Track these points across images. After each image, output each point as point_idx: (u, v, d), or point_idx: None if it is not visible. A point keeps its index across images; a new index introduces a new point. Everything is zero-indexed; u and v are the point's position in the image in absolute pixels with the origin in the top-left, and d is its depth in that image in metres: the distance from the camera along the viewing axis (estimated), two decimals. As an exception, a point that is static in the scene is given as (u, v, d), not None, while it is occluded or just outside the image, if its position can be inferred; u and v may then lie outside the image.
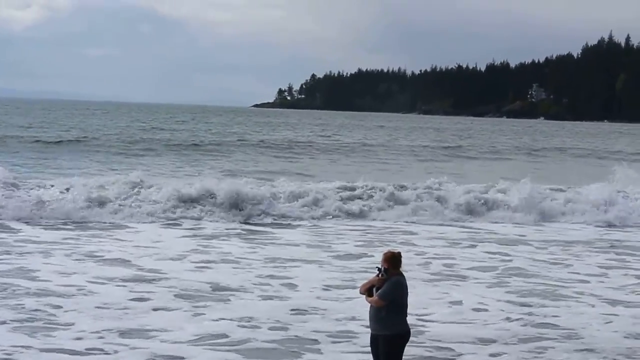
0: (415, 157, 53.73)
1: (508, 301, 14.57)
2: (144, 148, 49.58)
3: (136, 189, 24.77)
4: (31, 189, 24.29)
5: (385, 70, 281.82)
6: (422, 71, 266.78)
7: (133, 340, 11.58)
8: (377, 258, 13.45)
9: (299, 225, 23.38)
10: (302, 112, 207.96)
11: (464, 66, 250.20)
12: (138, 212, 23.19)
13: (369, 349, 8.99)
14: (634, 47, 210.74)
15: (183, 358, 11.00)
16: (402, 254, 8.92)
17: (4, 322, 12.16)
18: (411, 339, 8.96)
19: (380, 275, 8.76)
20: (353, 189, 27.16)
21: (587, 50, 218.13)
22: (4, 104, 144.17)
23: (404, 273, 8.86)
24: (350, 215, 24.96)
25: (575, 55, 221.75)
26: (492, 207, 26.42)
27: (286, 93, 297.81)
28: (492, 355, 11.52)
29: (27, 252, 17.63)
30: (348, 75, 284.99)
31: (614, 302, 14.81)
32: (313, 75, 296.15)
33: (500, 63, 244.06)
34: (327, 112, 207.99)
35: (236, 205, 24.12)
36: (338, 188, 27.18)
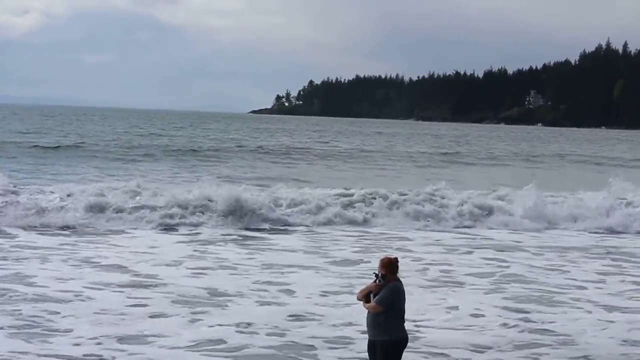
0: (413, 163, 53.78)
1: (505, 307, 14.58)
2: (142, 154, 49.62)
3: (134, 196, 24.66)
4: (30, 195, 24.23)
5: (383, 76, 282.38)
6: (420, 77, 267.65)
7: (131, 346, 11.59)
8: (374, 264, 13.47)
9: (295, 231, 23.37)
10: (299, 118, 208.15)
11: (462, 73, 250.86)
12: (136, 219, 23.09)
13: (366, 354, 8.99)
14: (632, 53, 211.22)
15: (180, 364, 11.00)
16: (398, 260, 8.93)
17: (1, 328, 12.16)
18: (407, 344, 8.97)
19: (377, 281, 8.78)
20: (352, 195, 27.01)
21: (584, 56, 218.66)
22: (2, 110, 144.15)
23: (401, 279, 8.87)
24: (352, 222, 24.74)
25: (572, 62, 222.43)
26: (495, 214, 26.31)
27: (284, 99, 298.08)
28: (487, 361, 11.54)
29: (24, 257, 17.62)
30: (346, 81, 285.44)
31: (610, 308, 14.83)
32: (311, 82, 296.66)
33: (498, 70, 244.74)
34: (324, 119, 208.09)
35: (236, 212, 23.92)
36: (338, 195, 27.02)
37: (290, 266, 17.74)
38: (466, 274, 17.53)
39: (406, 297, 8.89)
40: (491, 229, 25.15)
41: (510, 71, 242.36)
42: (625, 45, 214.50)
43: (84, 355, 11.11)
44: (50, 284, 15.06)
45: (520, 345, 12.26)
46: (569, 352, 12.03)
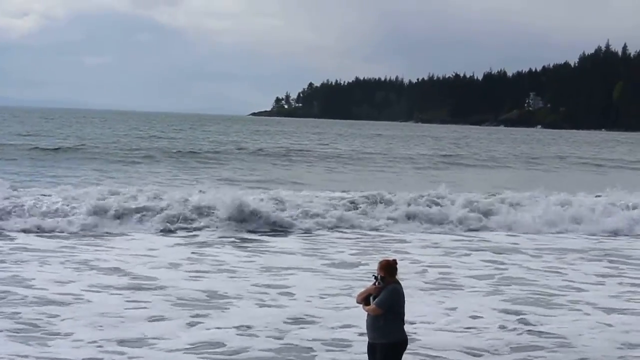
0: (414, 165, 53.77)
1: (502, 310, 14.60)
2: (142, 156, 49.60)
3: (135, 199, 24.55)
4: (29, 198, 24.15)
5: (383, 78, 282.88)
6: (420, 80, 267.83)
7: (130, 348, 11.60)
8: (373, 266, 13.47)
9: (292, 234, 23.35)
10: (299, 120, 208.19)
11: (462, 75, 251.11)
12: (136, 223, 23.01)
13: (366, 356, 8.99)
14: (631, 55, 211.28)
15: (179, 366, 11.01)
16: (397, 262, 8.93)
17: (0, 331, 12.15)
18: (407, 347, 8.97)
19: (376, 284, 8.78)
20: (354, 199, 26.77)
21: (584, 59, 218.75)
22: (1, 112, 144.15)
23: (399, 281, 8.87)
24: (356, 226, 24.58)
25: (572, 64, 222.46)
26: (499, 216, 26.30)
27: (283, 101, 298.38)
28: (484, 364, 11.55)
29: (23, 260, 17.62)
30: (345, 83, 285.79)
31: (608, 311, 14.84)
32: (310, 84, 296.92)
33: (498, 72, 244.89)
34: (324, 121, 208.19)
35: (239, 217, 23.71)
36: (339, 197, 26.91)
37: (289, 269, 17.75)
38: (464, 276, 17.54)
39: (405, 299, 8.89)
40: (493, 231, 25.08)
41: (509, 73, 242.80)
42: (624, 48, 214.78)
43: (83, 359, 11.11)
44: (49, 286, 15.06)
45: (517, 348, 12.27)
46: (566, 355, 12.05)
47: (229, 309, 14.05)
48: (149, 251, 19.49)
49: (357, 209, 26.02)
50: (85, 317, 13.03)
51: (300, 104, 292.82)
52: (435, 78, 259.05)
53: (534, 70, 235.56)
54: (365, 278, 15.58)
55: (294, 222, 24.28)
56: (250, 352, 11.64)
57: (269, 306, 14.33)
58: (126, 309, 13.72)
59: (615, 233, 25.59)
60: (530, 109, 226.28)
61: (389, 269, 8.80)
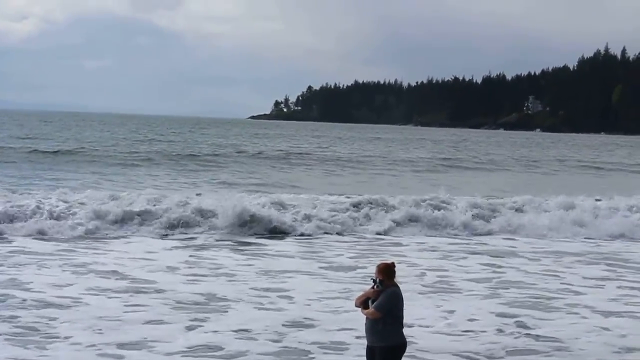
0: (414, 168, 53.79)
1: (500, 313, 14.60)
2: (142, 159, 49.60)
3: (134, 203, 24.43)
4: (29, 201, 24.07)
5: (382, 82, 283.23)
6: (419, 83, 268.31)
7: (129, 351, 11.60)
8: (371, 269, 13.43)
9: (290, 237, 23.29)
10: (298, 123, 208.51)
11: (461, 78, 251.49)
12: (135, 225, 22.92)
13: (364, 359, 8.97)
14: (630, 59, 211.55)
15: (177, 370, 10.99)
16: (395, 265, 8.91)
17: (-1, 334, 12.13)
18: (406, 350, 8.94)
19: (375, 287, 8.76)
20: (358, 204, 26.46)
21: (583, 62, 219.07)
22: (1, 116, 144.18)
23: (398, 284, 8.85)
24: (363, 231, 24.38)
25: (571, 68, 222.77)
26: (506, 221, 26.24)
27: (282, 105, 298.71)
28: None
29: (21, 263, 17.60)
30: (344, 87, 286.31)
31: (606, 314, 14.85)
32: (309, 87, 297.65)
33: (497, 75, 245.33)
34: (323, 124, 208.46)
35: (240, 223, 23.48)
36: (340, 203, 26.63)
37: (287, 272, 17.74)
38: (462, 280, 17.54)
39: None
40: (498, 235, 25.00)
41: (508, 77, 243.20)
42: (623, 51, 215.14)
43: (81, 362, 11.09)
44: (48, 290, 15.05)
45: (514, 352, 12.28)
46: (562, 358, 12.04)
47: (227, 312, 14.04)
48: (147, 254, 19.47)
49: (359, 212, 25.77)
50: (84, 321, 13.01)
51: (299, 108, 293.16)
52: (434, 81, 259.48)
53: (533, 73, 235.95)
54: (363, 281, 15.56)
55: (296, 227, 24.03)
56: (249, 356, 11.63)
57: (268, 309, 14.32)
58: (125, 312, 13.71)
59: (616, 236, 25.52)
60: (529, 112, 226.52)
61: (387, 272, 8.78)
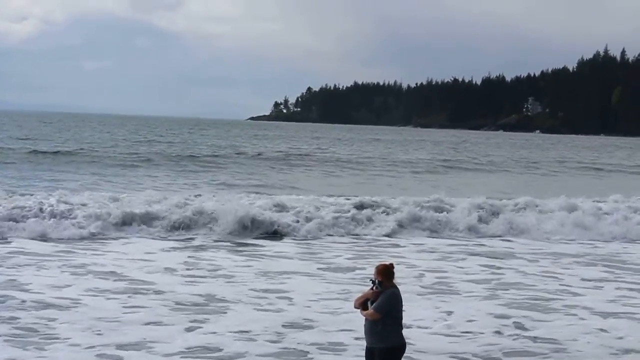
0: (414, 170, 53.78)
1: (499, 314, 14.61)
2: (141, 160, 49.60)
3: (134, 205, 24.32)
4: (28, 202, 24.03)
5: (381, 83, 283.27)
6: (418, 84, 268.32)
7: (128, 352, 11.60)
8: (369, 271, 13.43)
9: (287, 237, 23.26)
10: (297, 124, 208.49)
11: (460, 80, 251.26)
12: (134, 227, 22.87)
13: (362, 360, 8.98)
14: (630, 60, 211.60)
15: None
16: (394, 266, 8.91)
17: (-2, 335, 12.13)
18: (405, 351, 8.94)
19: (374, 288, 8.75)
20: (361, 206, 26.26)
21: (582, 64, 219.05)
22: (0, 116, 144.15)
23: (397, 285, 8.85)
24: (367, 234, 24.25)
25: (571, 69, 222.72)
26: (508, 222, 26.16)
27: (282, 106, 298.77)
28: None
29: (19, 264, 17.59)
30: (344, 88, 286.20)
31: (604, 315, 14.88)
32: (309, 88, 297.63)
33: (496, 76, 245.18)
34: (322, 125, 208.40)
35: (241, 227, 23.35)
36: (339, 205, 26.45)
37: (286, 273, 17.75)
38: (461, 281, 17.56)
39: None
40: (502, 237, 24.95)
41: (508, 78, 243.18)
42: (623, 52, 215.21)
43: (80, 362, 11.09)
44: (47, 291, 15.05)
45: (511, 353, 12.29)
46: None
47: (226, 313, 14.05)
48: (146, 255, 19.48)
49: (362, 214, 25.56)
50: (83, 322, 13.02)
51: (298, 109, 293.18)
52: (433, 83, 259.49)
53: (532, 75, 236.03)
54: (362, 283, 15.57)
55: (298, 230, 23.87)
56: (247, 357, 11.63)
57: (267, 310, 14.32)
58: (124, 313, 13.71)
59: (618, 238, 25.49)
60: (529, 113, 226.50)
61: (386, 273, 8.78)
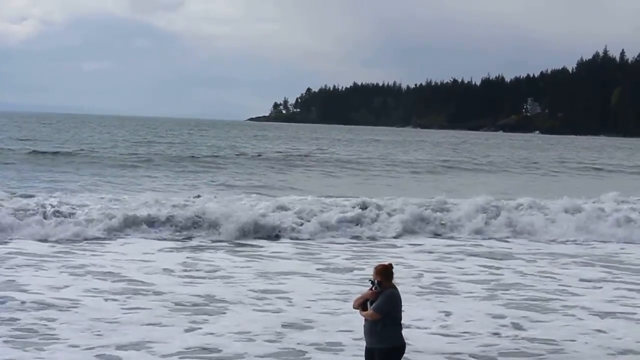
0: (414, 170, 53.77)
1: (497, 315, 14.63)
2: (141, 160, 49.60)
3: (136, 207, 24.26)
4: (27, 203, 24.01)
5: (381, 84, 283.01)
6: (417, 85, 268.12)
7: (127, 352, 11.61)
8: (368, 271, 13.43)
9: (285, 238, 23.22)
10: (297, 125, 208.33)
11: (459, 80, 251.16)
12: (133, 228, 22.83)
13: (362, 360, 8.98)
14: (629, 61, 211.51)
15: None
16: (392, 266, 8.91)
17: (-3, 336, 12.13)
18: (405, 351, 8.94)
19: (373, 289, 8.76)
20: (365, 207, 26.03)
21: (582, 64, 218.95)
22: (0, 117, 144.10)
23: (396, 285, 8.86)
24: (373, 237, 24.09)
25: (570, 70, 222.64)
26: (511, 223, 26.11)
27: (281, 107, 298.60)
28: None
29: (18, 265, 17.60)
30: (343, 89, 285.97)
31: (602, 315, 14.90)
32: (308, 89, 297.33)
33: (496, 77, 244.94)
34: (322, 126, 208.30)
35: (248, 233, 23.25)
36: (341, 206, 26.17)
37: (284, 273, 17.76)
38: (460, 281, 17.57)
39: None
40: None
41: (507, 79, 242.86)
42: (622, 53, 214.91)
43: (79, 363, 11.09)
44: (46, 292, 15.07)
45: (507, 354, 12.29)
46: (556, 361, 12.02)
47: (225, 313, 14.05)
48: (145, 256, 19.49)
49: (365, 216, 25.39)
50: (82, 322, 13.04)
51: (298, 109, 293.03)
52: (433, 83, 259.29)
53: (532, 75, 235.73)
54: (361, 283, 15.57)
55: (300, 232, 23.75)
56: (246, 358, 11.64)
57: (266, 311, 14.34)
58: (123, 314, 13.73)
59: (620, 239, 25.46)
60: (528, 114, 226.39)
61: (385, 273, 8.79)
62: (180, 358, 11.53)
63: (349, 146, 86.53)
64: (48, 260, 18.26)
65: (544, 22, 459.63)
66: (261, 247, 21.72)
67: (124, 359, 11.39)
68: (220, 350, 11.91)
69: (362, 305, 8.86)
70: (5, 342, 11.93)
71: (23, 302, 14.18)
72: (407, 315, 13.28)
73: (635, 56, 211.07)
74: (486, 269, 19.30)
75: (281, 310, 14.39)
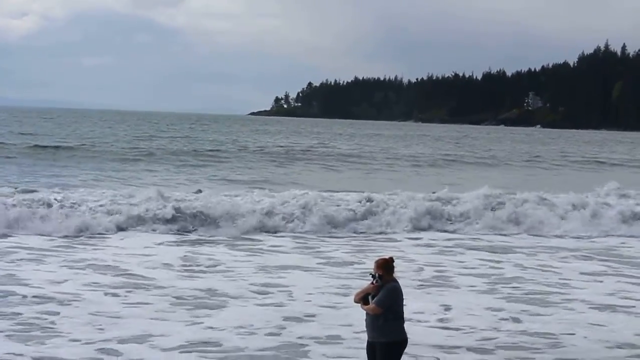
0: (416, 164, 53.77)
1: (497, 308, 14.66)
2: (142, 155, 49.61)
3: (137, 203, 24.24)
4: (29, 198, 24.00)
5: (382, 78, 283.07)
6: (419, 79, 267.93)
7: (128, 345, 11.64)
8: (368, 265, 13.43)
9: (285, 232, 23.21)
10: (298, 120, 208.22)
11: (461, 75, 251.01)
12: (134, 222, 22.80)
13: (364, 354, 8.99)
14: (630, 55, 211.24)
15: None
16: (393, 260, 8.92)
17: (-1, 330, 12.16)
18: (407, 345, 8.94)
19: (374, 282, 8.76)
20: (370, 200, 25.81)
21: (583, 58, 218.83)
22: (0, 113, 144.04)
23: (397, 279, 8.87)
24: (383, 232, 24.00)
25: (571, 64, 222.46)
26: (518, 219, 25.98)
27: (283, 101, 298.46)
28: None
29: (19, 259, 17.62)
30: (345, 83, 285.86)
31: (601, 309, 14.92)
32: (310, 84, 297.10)
33: (497, 71, 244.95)
34: (323, 120, 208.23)
35: (252, 226, 23.16)
36: (346, 201, 25.97)
37: (285, 267, 17.77)
38: (460, 275, 17.59)
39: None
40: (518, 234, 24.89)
41: (509, 73, 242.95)
42: (623, 48, 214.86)
43: (81, 358, 11.13)
44: (47, 286, 15.10)
45: (506, 347, 12.31)
46: (554, 354, 12.05)
47: (226, 307, 14.07)
48: (145, 250, 19.52)
49: (372, 210, 25.20)
50: (83, 316, 13.07)
51: (299, 104, 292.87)
52: (434, 78, 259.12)
53: (533, 70, 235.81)
54: (362, 277, 15.59)
55: (305, 228, 23.61)
56: (247, 352, 11.66)
57: (267, 305, 14.35)
58: (124, 307, 13.75)
59: (623, 233, 25.43)
60: (530, 108, 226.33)
61: (386, 267, 8.79)
62: (181, 352, 11.56)
63: (351, 140, 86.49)
64: (49, 255, 18.29)
65: (544, 17, 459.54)
66: (261, 241, 21.73)
67: (125, 352, 11.41)
68: (221, 344, 11.93)
69: (363, 299, 8.86)
70: (6, 336, 11.96)
71: (24, 297, 14.22)
72: (408, 308, 13.26)
73: (637, 50, 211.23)
74: (486, 263, 19.32)
75: (282, 304, 14.42)
